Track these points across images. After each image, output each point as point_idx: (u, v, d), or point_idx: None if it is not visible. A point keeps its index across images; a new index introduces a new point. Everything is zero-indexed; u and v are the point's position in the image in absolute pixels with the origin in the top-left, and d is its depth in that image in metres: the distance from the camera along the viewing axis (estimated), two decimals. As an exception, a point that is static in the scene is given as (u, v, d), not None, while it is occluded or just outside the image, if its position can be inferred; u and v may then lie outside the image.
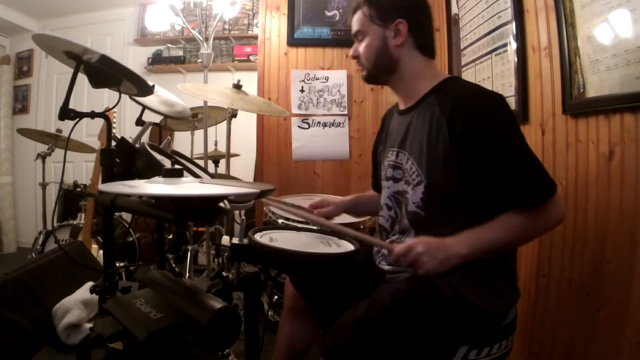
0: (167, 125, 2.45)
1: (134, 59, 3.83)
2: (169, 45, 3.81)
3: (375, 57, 1.03)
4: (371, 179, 1.37)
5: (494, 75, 1.66)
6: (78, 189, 2.84)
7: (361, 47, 1.05)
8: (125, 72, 1.04)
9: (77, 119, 0.96)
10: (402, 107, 1.10)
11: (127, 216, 2.90)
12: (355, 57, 1.08)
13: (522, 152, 0.88)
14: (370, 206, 1.34)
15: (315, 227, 1.26)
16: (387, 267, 1.06)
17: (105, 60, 0.97)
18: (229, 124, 2.11)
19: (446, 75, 1.04)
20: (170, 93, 1.71)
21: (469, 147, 0.89)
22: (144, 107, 1.47)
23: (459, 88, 0.97)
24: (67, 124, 1.02)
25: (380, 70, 1.05)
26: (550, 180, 0.88)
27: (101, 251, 2.32)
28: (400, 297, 0.86)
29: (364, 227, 1.64)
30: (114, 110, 1.85)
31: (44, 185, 2.87)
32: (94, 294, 0.93)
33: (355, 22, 1.06)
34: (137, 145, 1.05)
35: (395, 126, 1.11)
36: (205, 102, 2.02)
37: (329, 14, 2.48)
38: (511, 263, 0.99)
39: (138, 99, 1.36)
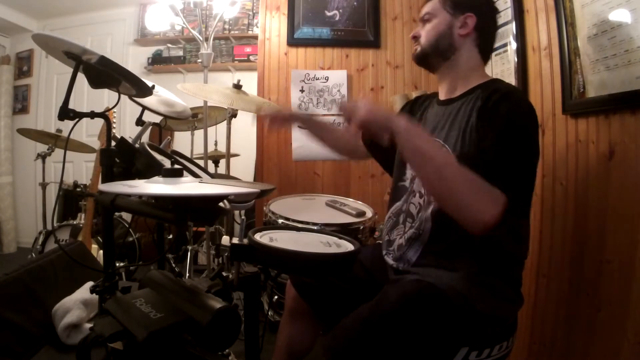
0: (167, 125, 2.45)
1: (134, 59, 3.83)
2: (169, 45, 3.82)
3: (437, 39, 1.05)
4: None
5: (494, 75, 1.66)
6: (78, 189, 2.84)
7: (425, 28, 1.08)
8: (124, 73, 1.04)
9: (77, 119, 0.97)
10: (443, 97, 1.10)
11: (127, 216, 2.90)
12: (415, 37, 1.10)
13: (520, 157, 0.85)
14: (343, 141, 1.31)
15: (315, 228, 1.26)
16: (391, 262, 1.06)
17: (104, 61, 0.97)
18: (229, 124, 2.11)
19: (492, 77, 1.07)
20: (171, 93, 1.71)
21: (487, 119, 0.89)
22: (144, 108, 1.47)
23: (503, 85, 1.01)
24: (67, 124, 1.02)
25: (436, 52, 1.06)
26: (514, 186, 0.82)
27: (101, 251, 2.32)
28: (405, 299, 0.86)
29: (364, 227, 1.64)
30: (114, 110, 1.85)
31: (44, 185, 2.87)
32: (94, 294, 0.93)
33: (427, 6, 1.09)
34: (137, 145, 1.05)
35: (433, 116, 1.11)
36: (205, 102, 2.02)
37: (329, 14, 2.48)
38: (518, 269, 0.99)
39: (138, 99, 1.36)
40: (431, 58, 1.08)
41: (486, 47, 1.07)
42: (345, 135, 1.33)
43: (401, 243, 1.05)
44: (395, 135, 0.85)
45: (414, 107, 1.22)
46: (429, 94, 1.23)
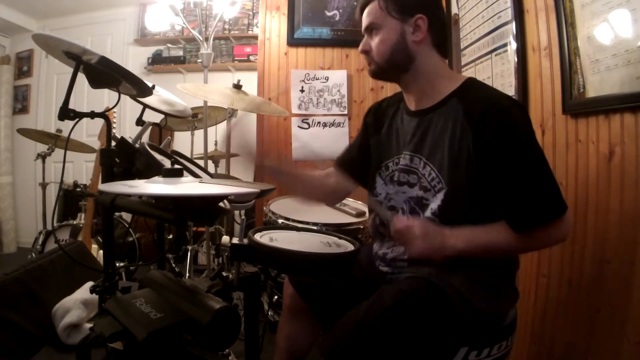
0: (167, 125, 2.44)
1: (134, 59, 3.83)
2: (169, 45, 3.81)
3: (390, 53, 0.96)
4: (342, 153, 1.22)
5: (494, 75, 1.66)
6: (78, 189, 2.84)
7: (374, 41, 0.97)
8: (124, 73, 1.04)
9: (77, 119, 0.97)
10: (413, 107, 1.02)
11: (127, 216, 2.90)
12: (366, 51, 1.00)
13: (537, 171, 0.85)
14: (318, 189, 1.18)
15: (315, 228, 1.26)
16: (385, 269, 1.05)
17: (104, 61, 0.97)
18: (229, 124, 2.11)
19: (464, 77, 0.98)
20: (170, 93, 1.71)
21: (494, 158, 0.85)
22: (145, 106, 1.47)
23: (483, 94, 0.92)
24: (67, 124, 1.02)
25: (393, 67, 0.98)
26: (554, 204, 0.84)
27: (101, 251, 2.32)
28: (401, 297, 0.86)
29: (364, 227, 1.64)
30: (114, 110, 1.85)
31: (44, 185, 2.87)
32: (94, 294, 0.93)
33: (368, 15, 0.98)
34: (137, 145, 1.05)
35: (406, 127, 1.03)
36: (205, 102, 2.02)
37: (329, 14, 2.48)
38: (514, 264, 0.99)
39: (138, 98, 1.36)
40: (388, 73, 1.01)
41: (443, 42, 0.99)
42: (320, 183, 1.20)
43: (394, 257, 1.02)
44: (458, 255, 0.88)
45: (378, 114, 1.14)
46: (391, 97, 1.14)
